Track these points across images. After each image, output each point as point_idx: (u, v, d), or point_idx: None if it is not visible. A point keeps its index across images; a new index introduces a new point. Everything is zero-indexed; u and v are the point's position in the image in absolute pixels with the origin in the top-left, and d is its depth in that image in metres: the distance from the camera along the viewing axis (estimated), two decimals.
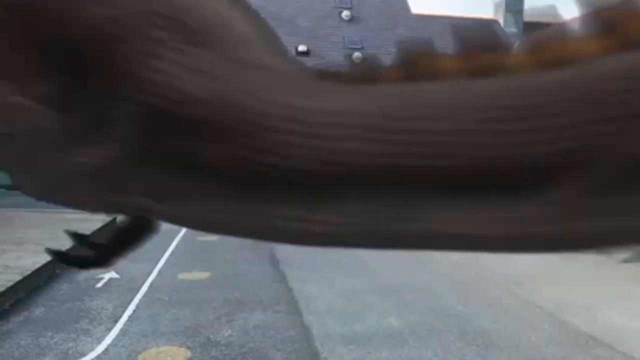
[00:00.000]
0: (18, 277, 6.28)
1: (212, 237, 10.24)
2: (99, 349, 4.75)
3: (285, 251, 9.18)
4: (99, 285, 6.79)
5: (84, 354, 4.62)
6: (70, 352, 4.67)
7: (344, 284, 7.12)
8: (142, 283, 6.88)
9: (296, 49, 22.72)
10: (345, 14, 25.19)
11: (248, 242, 10.26)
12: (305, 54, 22.72)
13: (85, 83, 0.61)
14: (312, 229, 0.58)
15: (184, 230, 10.89)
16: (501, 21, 26.90)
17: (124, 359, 4.56)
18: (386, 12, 25.92)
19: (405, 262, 8.69)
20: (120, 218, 0.92)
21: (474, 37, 0.62)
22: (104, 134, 0.60)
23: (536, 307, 6.32)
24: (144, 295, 6.38)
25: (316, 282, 7.18)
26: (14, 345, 4.79)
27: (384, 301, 6.41)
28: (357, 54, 22.32)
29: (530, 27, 25.30)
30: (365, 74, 0.63)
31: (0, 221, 10.22)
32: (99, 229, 10.14)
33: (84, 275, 7.29)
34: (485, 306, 6.32)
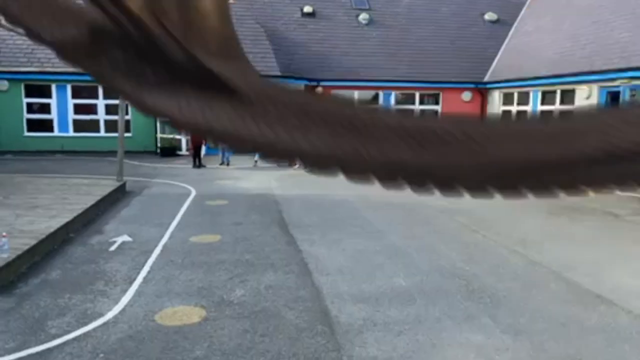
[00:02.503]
0: (33, 241, 6.40)
1: (222, 202, 10.35)
2: (117, 309, 4.89)
3: (294, 214, 9.27)
4: (112, 248, 6.92)
5: (102, 314, 4.77)
6: (88, 312, 4.81)
7: (353, 246, 7.23)
8: (155, 246, 7.00)
9: (301, 10, 22.26)
10: None
11: (257, 207, 10.41)
12: (311, 15, 22.28)
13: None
14: None
15: (193, 195, 11.01)
16: None
17: (141, 318, 4.70)
18: None
19: (413, 224, 8.77)
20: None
21: None
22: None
23: (542, 267, 6.40)
24: (157, 258, 6.51)
25: (325, 244, 7.29)
26: (34, 306, 4.94)
27: (392, 262, 6.52)
28: (364, 15, 21.98)
29: None
30: None
31: (11, 187, 10.34)
32: (110, 194, 10.28)
33: (97, 238, 7.44)
34: (492, 266, 6.42)
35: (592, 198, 11.35)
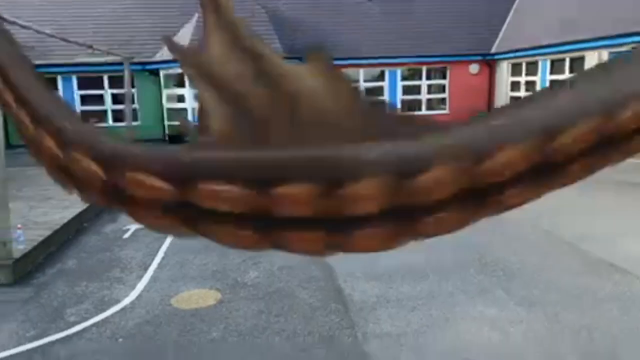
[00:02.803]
0: (48, 232, 6.49)
1: None
2: (133, 294, 4.97)
3: None
4: (126, 236, 7.00)
5: (119, 300, 4.84)
6: (106, 299, 4.89)
7: None
8: None
9: None
10: None
11: None
12: None
13: None
14: None
15: None
16: None
17: (157, 303, 4.77)
18: None
19: None
20: None
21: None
22: None
23: (556, 238, 6.38)
24: (171, 244, 6.57)
25: None
26: (52, 295, 5.03)
27: None
28: None
29: None
30: None
31: (24, 180, 10.45)
32: None
33: (110, 227, 7.52)
34: (505, 239, 6.40)
35: (605, 169, 11.24)
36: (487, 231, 6.74)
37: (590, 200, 8.33)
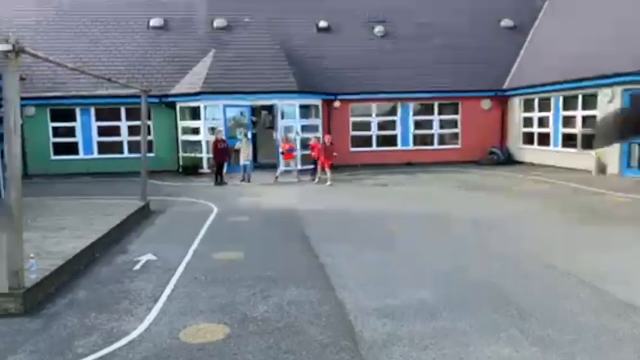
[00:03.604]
0: (60, 262, 6.52)
1: (244, 218, 10.41)
2: (142, 327, 4.93)
3: (315, 229, 9.26)
4: (137, 267, 7.00)
5: (127, 333, 4.81)
6: (114, 331, 4.86)
7: (376, 259, 7.17)
8: (179, 264, 7.06)
9: (317, 25, 22.48)
10: None
11: (278, 222, 10.45)
12: (327, 30, 22.48)
13: None
14: None
15: (215, 212, 11.10)
16: None
17: (166, 336, 4.72)
18: None
19: (436, 236, 8.67)
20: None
21: None
22: None
23: (571, 276, 6.24)
24: (181, 276, 6.55)
25: (347, 258, 7.25)
26: (62, 327, 5.01)
27: (416, 275, 6.43)
28: (379, 28, 22.30)
29: None
30: None
31: (39, 209, 10.58)
32: (134, 214, 10.45)
33: (122, 258, 7.54)
34: (520, 277, 6.28)
35: (621, 205, 11.08)
36: (500, 269, 6.64)
37: (607, 239, 8.19)
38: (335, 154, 16.25)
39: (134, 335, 4.76)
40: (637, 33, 15.90)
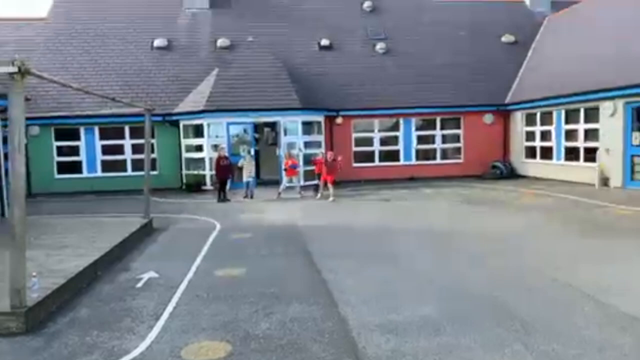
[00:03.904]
0: (62, 280, 6.52)
1: (246, 235, 10.40)
2: (143, 345, 4.90)
3: (318, 245, 9.24)
4: (139, 285, 6.98)
5: (128, 351, 4.78)
6: (115, 349, 4.84)
7: (378, 275, 7.13)
8: (181, 281, 7.04)
9: (319, 43, 22.70)
10: (367, 4, 25.00)
11: (281, 238, 10.44)
12: (329, 47, 22.69)
13: None
14: None
15: (218, 229, 11.10)
16: (527, 1, 26.25)
17: (167, 354, 4.69)
18: (409, 0, 25.60)
19: (439, 251, 8.64)
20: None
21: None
22: None
23: (575, 290, 6.19)
24: (183, 293, 6.54)
25: (350, 274, 7.22)
26: (62, 345, 4.99)
27: (419, 290, 6.39)
28: (381, 45, 22.56)
29: (559, 6, 24.56)
30: None
31: (43, 227, 10.61)
32: (136, 231, 10.46)
33: (124, 276, 7.53)
34: (523, 291, 6.24)
35: (624, 218, 11.02)
36: (503, 283, 6.59)
37: (610, 251, 8.14)
38: (340, 168, 16.28)
39: (135, 353, 4.74)
40: (636, 48, 15.97)
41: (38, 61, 19.07)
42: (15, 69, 5.28)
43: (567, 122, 18.48)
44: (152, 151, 18.26)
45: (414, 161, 21.44)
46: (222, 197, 15.92)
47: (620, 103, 15.64)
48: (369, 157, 21.31)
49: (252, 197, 16.30)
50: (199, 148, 19.11)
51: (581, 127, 17.71)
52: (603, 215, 11.33)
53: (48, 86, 18.05)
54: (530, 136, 20.66)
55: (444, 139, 21.83)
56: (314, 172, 16.91)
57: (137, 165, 18.60)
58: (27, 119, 6.40)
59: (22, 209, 5.47)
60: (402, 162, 21.39)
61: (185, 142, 19.54)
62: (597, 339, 4.77)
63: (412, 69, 22.04)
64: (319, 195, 16.16)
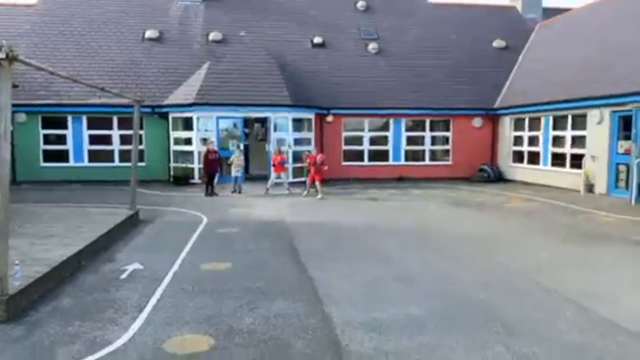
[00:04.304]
0: (46, 269, 6.45)
1: (233, 229, 10.37)
2: (125, 337, 4.87)
3: (305, 242, 9.24)
4: (124, 276, 6.93)
5: (110, 342, 4.75)
6: (97, 340, 4.80)
7: (364, 273, 7.16)
8: (166, 274, 7.01)
9: (312, 40, 22.68)
10: (361, 4, 25.02)
11: (268, 234, 10.42)
12: (321, 45, 22.68)
13: None
14: None
15: (204, 222, 11.05)
16: (519, 7, 26.46)
17: (149, 346, 4.67)
18: (401, 0, 25.68)
19: (425, 250, 8.69)
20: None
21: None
22: None
23: (558, 294, 6.27)
24: (168, 286, 6.50)
25: (336, 271, 7.23)
26: (44, 334, 4.94)
27: (404, 289, 6.43)
28: (373, 45, 22.59)
29: (550, 13, 24.80)
30: None
31: (27, 216, 10.48)
32: (122, 222, 10.37)
33: (109, 266, 7.47)
34: (507, 294, 6.30)
35: (607, 224, 11.18)
36: (488, 286, 6.65)
37: (593, 257, 8.25)
38: (325, 167, 16.29)
39: (118, 344, 4.71)
40: (626, 55, 16.19)
41: (26, 47, 18.79)
42: (3, 55, 5.21)
43: (554, 128, 18.69)
44: (140, 143, 18.11)
45: (403, 161, 21.53)
46: (210, 191, 15.85)
47: (607, 111, 15.84)
48: (358, 156, 21.36)
49: (240, 192, 16.25)
50: (188, 141, 19.01)
51: (568, 133, 17.92)
52: (587, 222, 11.48)
53: (36, 73, 17.80)
54: (518, 141, 20.86)
55: (433, 140, 21.96)
56: (306, 167, 16.88)
57: (125, 156, 18.44)
58: (14, 105, 6.31)
59: (6, 196, 5.40)
60: (391, 162, 21.47)
61: (174, 134, 19.42)
62: (578, 343, 4.84)
63: (404, 70, 22.11)
64: (305, 192, 16.16)
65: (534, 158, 19.75)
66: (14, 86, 15.28)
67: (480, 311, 5.66)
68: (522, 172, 20.30)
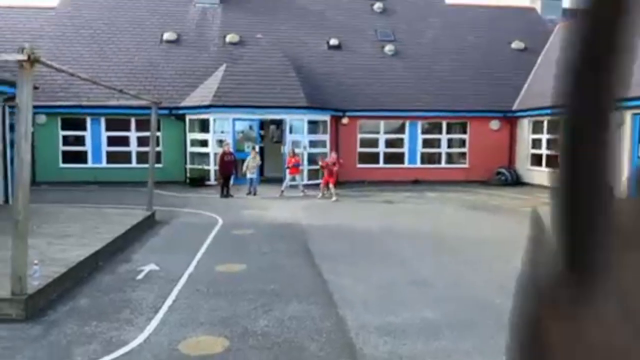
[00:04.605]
0: (63, 269, 6.53)
1: (248, 231, 10.40)
2: (141, 337, 4.91)
3: (320, 244, 9.23)
4: (140, 277, 6.99)
5: (126, 342, 4.78)
6: (113, 340, 4.84)
7: (379, 276, 7.12)
8: (181, 275, 7.05)
9: (328, 42, 22.69)
10: (377, 5, 24.96)
11: (283, 236, 10.42)
12: (337, 47, 22.67)
13: None
14: None
15: (220, 224, 11.11)
16: (539, 8, 26.14)
17: (165, 347, 4.69)
18: (419, 2, 25.56)
19: (441, 254, 8.61)
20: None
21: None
22: None
23: None
24: (183, 287, 6.54)
25: (351, 274, 7.20)
26: (61, 334, 5.00)
27: (419, 293, 6.38)
28: (389, 47, 22.42)
29: (570, 14, 24.45)
30: None
31: (45, 216, 10.64)
32: (139, 223, 10.47)
33: (125, 267, 7.54)
34: None
35: None
36: (505, 289, 6.56)
37: None
38: (335, 168, 16.20)
39: (133, 344, 4.74)
40: None
41: (47, 50, 19.12)
42: (25, 57, 5.30)
43: None
44: (158, 144, 18.28)
45: (418, 164, 21.39)
46: (225, 193, 15.93)
47: (628, 114, 15.56)
48: (373, 158, 21.28)
49: (255, 193, 16.30)
50: (204, 143, 19.13)
51: None
52: None
53: (56, 75, 18.08)
54: (536, 144, 20.59)
55: (450, 143, 21.78)
56: (321, 169, 16.86)
57: (142, 157, 18.62)
58: (34, 107, 6.42)
59: (26, 196, 5.48)
60: (406, 164, 21.35)
61: (190, 136, 19.57)
62: None
63: (420, 71, 21.99)
64: (320, 194, 16.15)
65: (553, 161, 19.44)
66: (35, 88, 15.54)
67: (497, 316, 5.58)
68: (540, 175, 20.01)
